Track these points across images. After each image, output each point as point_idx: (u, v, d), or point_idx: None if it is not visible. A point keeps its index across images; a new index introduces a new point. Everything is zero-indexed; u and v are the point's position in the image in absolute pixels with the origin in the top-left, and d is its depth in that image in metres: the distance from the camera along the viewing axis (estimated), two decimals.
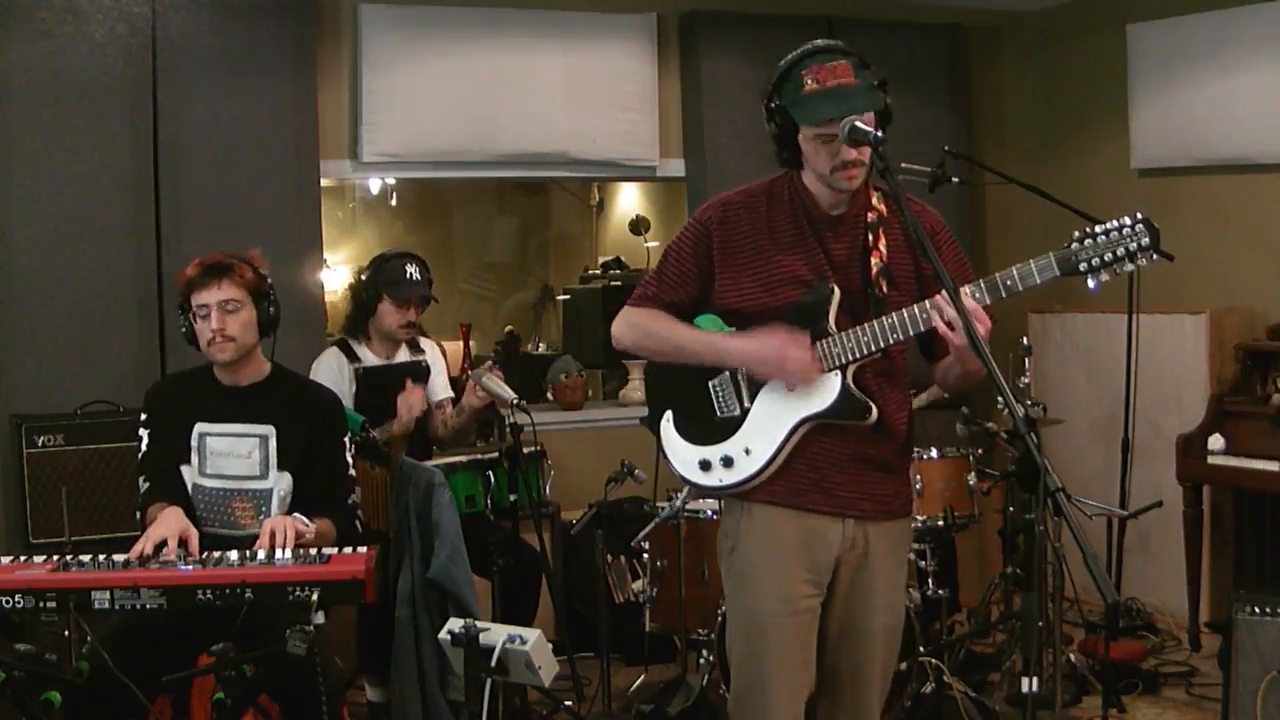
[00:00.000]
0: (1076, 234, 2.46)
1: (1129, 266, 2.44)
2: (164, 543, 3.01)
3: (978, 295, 2.51)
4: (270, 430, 3.32)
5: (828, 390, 2.63)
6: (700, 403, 2.74)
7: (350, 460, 3.45)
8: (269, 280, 3.37)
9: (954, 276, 2.58)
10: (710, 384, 2.74)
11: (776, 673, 2.68)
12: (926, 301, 2.53)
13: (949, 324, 2.44)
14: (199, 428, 3.30)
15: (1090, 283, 2.46)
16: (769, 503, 2.69)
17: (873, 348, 2.59)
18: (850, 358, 2.61)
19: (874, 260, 2.64)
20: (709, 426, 2.73)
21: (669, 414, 2.81)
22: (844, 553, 2.69)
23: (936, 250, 2.64)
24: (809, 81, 2.55)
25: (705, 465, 2.72)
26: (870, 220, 2.67)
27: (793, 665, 2.68)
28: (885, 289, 2.64)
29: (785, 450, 2.65)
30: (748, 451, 2.68)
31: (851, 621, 2.73)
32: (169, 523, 3.07)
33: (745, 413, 2.69)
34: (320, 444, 3.38)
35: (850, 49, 2.60)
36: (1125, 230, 2.43)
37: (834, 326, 2.63)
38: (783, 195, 2.71)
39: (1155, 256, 2.43)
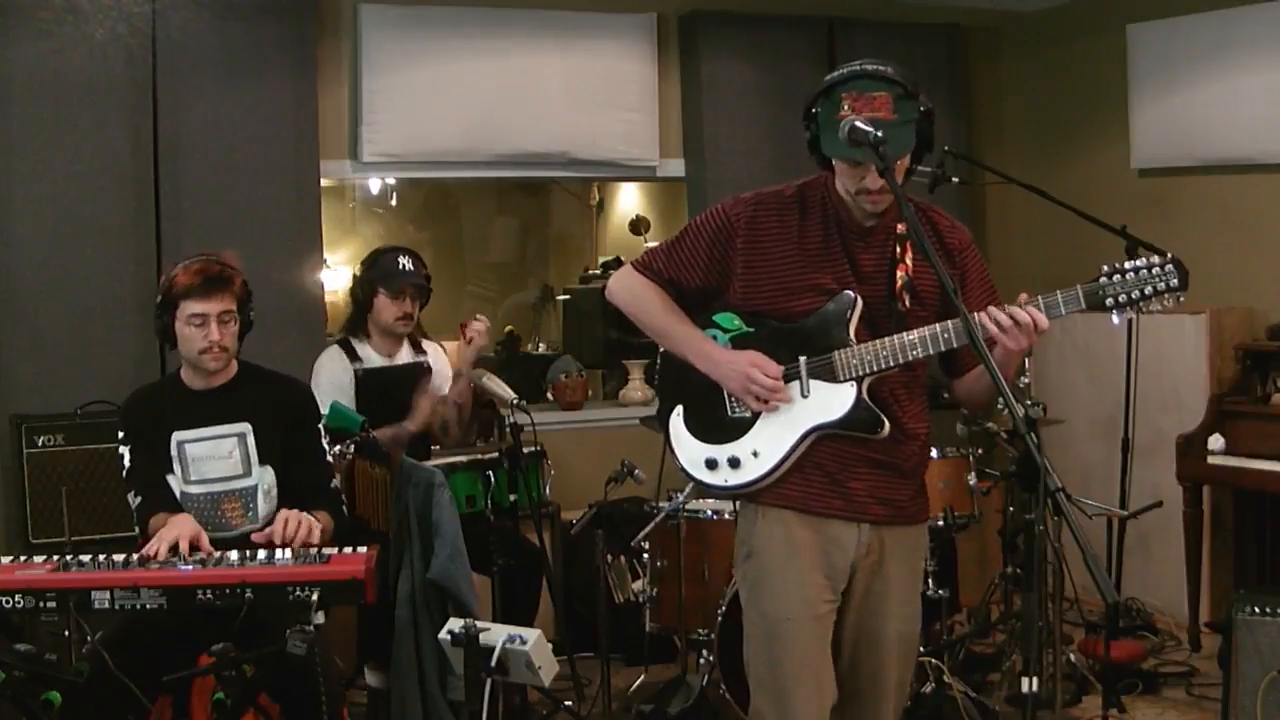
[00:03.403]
0: (1105, 268, 2.47)
1: (1155, 306, 2.45)
2: (177, 544, 3.01)
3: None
4: (246, 427, 3.33)
5: (841, 400, 2.61)
6: (712, 400, 2.73)
7: (326, 447, 3.46)
8: (248, 286, 3.39)
9: (980, 298, 2.64)
10: None
11: (800, 679, 2.63)
12: (952, 320, 2.52)
13: (1002, 328, 2.46)
14: (176, 436, 3.30)
15: (1115, 318, 2.48)
16: (784, 507, 2.66)
17: (891, 362, 2.58)
18: (868, 370, 2.60)
19: (899, 273, 2.63)
20: (719, 425, 2.71)
21: (679, 408, 2.79)
22: (859, 558, 2.67)
23: (964, 269, 2.68)
24: (845, 107, 2.49)
25: (712, 464, 2.71)
26: (899, 232, 2.65)
27: (815, 671, 2.65)
28: (908, 303, 2.62)
29: (794, 456, 2.64)
30: (755, 454, 2.66)
31: (866, 629, 2.70)
32: (181, 525, 3.08)
33: (757, 415, 2.67)
34: (297, 435, 3.39)
35: (898, 77, 2.53)
36: (1155, 270, 2.45)
37: (853, 337, 2.62)
38: (815, 202, 2.68)
39: (1182, 299, 2.45)
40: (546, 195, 9.01)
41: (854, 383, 2.61)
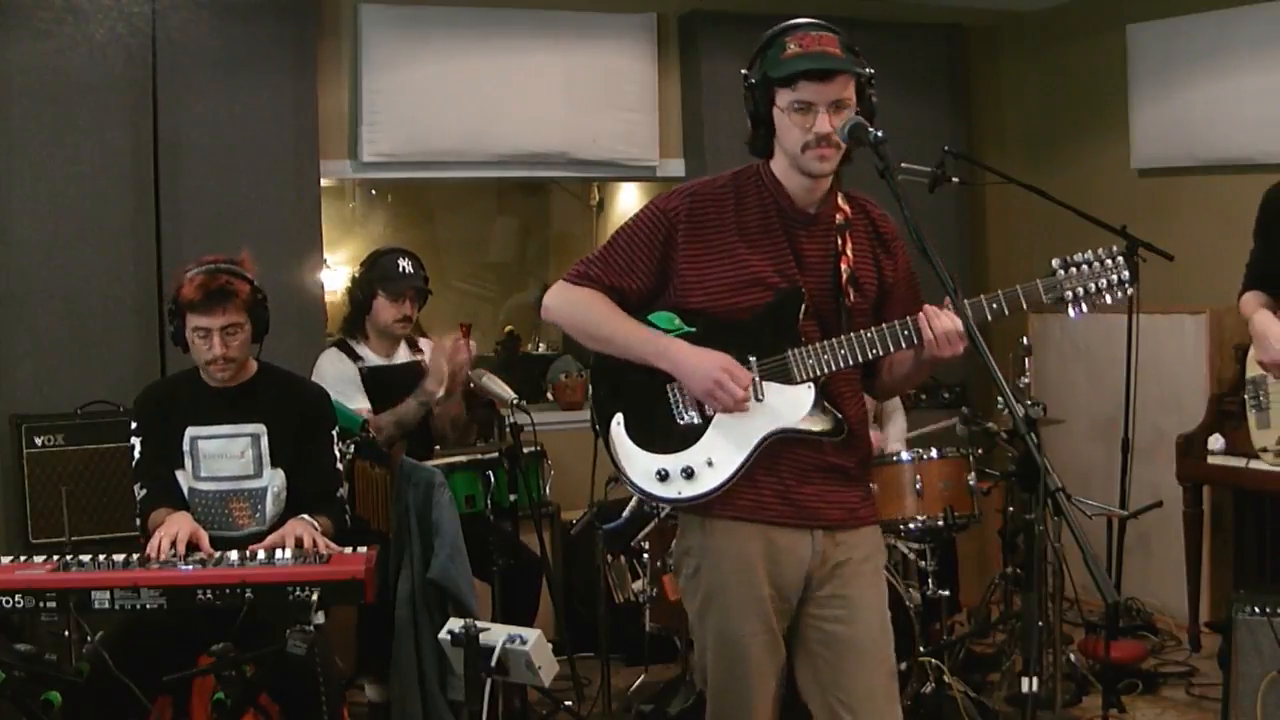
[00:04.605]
0: (1056, 262, 2.46)
1: (1107, 300, 2.46)
2: (187, 542, 3.03)
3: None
4: (261, 429, 3.33)
5: (800, 403, 2.51)
6: (656, 407, 2.57)
7: (338, 453, 3.46)
8: (261, 289, 3.37)
9: (907, 287, 2.59)
10: (669, 387, 2.56)
11: (756, 695, 2.55)
12: (917, 315, 2.46)
13: (937, 336, 2.42)
14: (190, 431, 3.31)
15: (1071, 312, 2.47)
16: (733, 518, 2.54)
17: (850, 361, 2.49)
18: (826, 370, 2.50)
19: (843, 266, 2.54)
20: (667, 433, 2.55)
21: (619, 416, 2.59)
22: (814, 568, 2.55)
23: (892, 258, 2.62)
24: (792, 46, 2.46)
25: (663, 475, 2.53)
26: (838, 222, 2.56)
27: (768, 683, 2.57)
28: (852, 297, 2.54)
29: (750, 463, 2.52)
30: (710, 463, 2.51)
31: (837, 641, 2.56)
32: (180, 524, 3.08)
33: (708, 421, 2.53)
34: (310, 439, 3.39)
35: (839, 31, 2.50)
36: (1107, 263, 2.45)
37: (801, 334, 2.52)
38: (750, 188, 2.59)
39: (1131, 291, 2.47)
40: (546, 195, 9.01)
41: (811, 384, 2.51)
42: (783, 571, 2.56)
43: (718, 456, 2.52)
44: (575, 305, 2.62)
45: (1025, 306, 2.47)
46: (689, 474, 2.53)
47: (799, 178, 2.54)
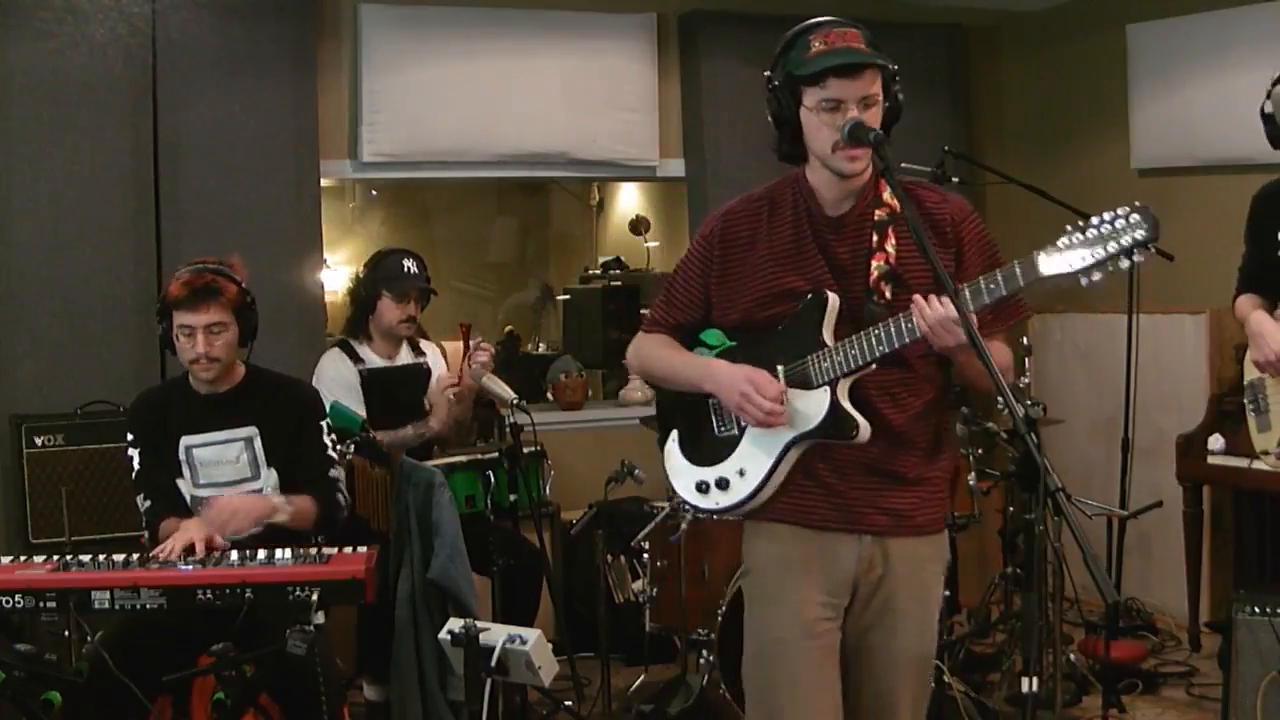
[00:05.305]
0: (1069, 229, 2.24)
1: (1124, 263, 2.17)
2: (192, 546, 3.03)
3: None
4: (254, 431, 3.34)
5: (816, 407, 2.46)
6: (701, 421, 2.64)
7: (329, 442, 3.46)
8: (249, 292, 3.38)
9: (985, 266, 2.40)
10: (710, 402, 2.62)
11: (793, 703, 2.52)
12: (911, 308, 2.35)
13: (931, 326, 2.29)
14: (184, 441, 3.33)
15: (1083, 281, 2.20)
16: (778, 521, 2.56)
17: (861, 362, 2.40)
18: (839, 372, 2.43)
19: (875, 263, 2.46)
20: (708, 446, 2.62)
21: (674, 433, 2.70)
22: (860, 573, 2.52)
23: (960, 241, 2.51)
24: (816, 44, 2.40)
25: (703, 487, 2.61)
26: (878, 219, 2.48)
27: (810, 694, 2.52)
28: (889, 294, 2.44)
29: (780, 472, 2.52)
30: (742, 473, 2.55)
31: (868, 646, 2.55)
32: (195, 529, 3.09)
33: (743, 431, 2.56)
34: (301, 437, 3.41)
35: (862, 26, 2.44)
36: (1120, 222, 2.16)
37: (829, 338, 2.46)
38: (786, 198, 2.55)
39: (1154, 251, 2.17)
40: (546, 195, 9.02)
41: (827, 387, 2.44)
42: (830, 576, 2.53)
43: (748, 466, 2.56)
44: (641, 354, 2.74)
45: (1024, 284, 2.24)
46: (724, 485, 2.59)
47: (831, 179, 2.49)
